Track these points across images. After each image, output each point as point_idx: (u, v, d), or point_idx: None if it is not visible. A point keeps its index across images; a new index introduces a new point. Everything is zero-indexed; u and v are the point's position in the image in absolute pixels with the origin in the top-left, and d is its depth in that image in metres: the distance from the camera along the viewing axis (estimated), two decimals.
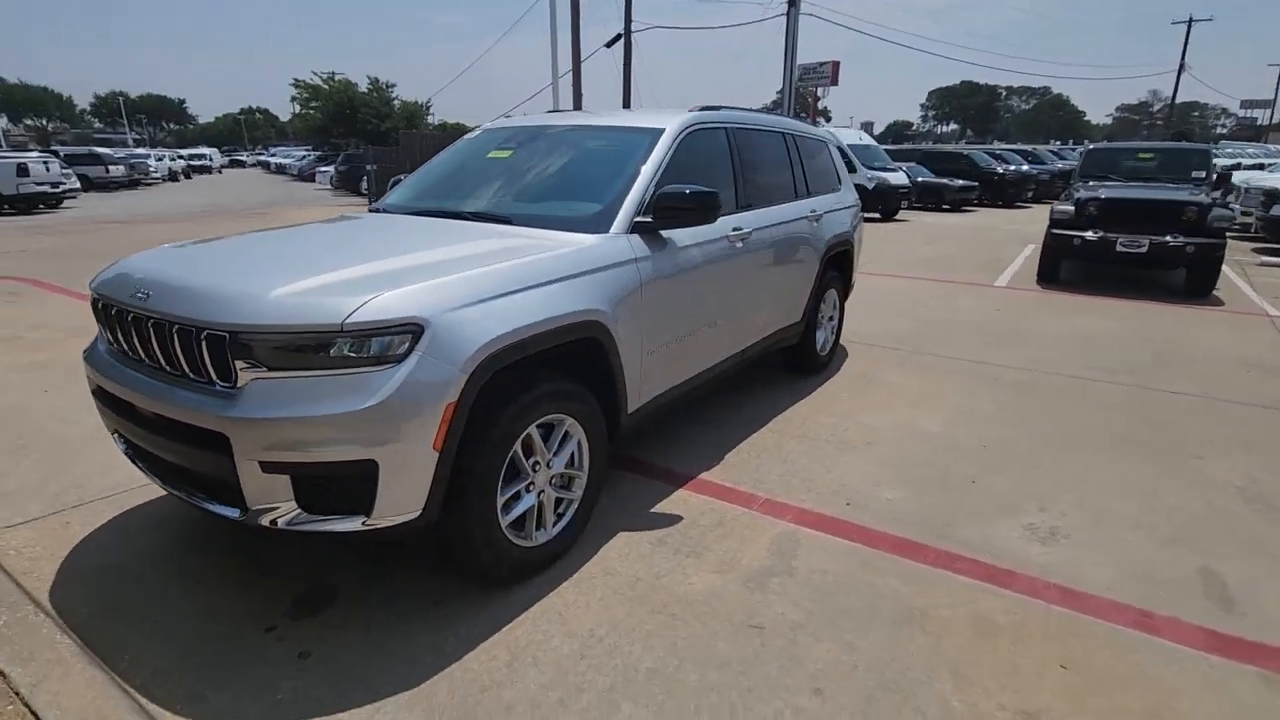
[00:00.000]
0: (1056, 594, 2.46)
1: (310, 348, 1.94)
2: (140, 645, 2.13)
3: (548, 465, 2.50)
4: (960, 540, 2.79)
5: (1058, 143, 47.89)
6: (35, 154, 19.36)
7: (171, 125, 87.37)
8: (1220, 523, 2.97)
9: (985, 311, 7.01)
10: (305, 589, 2.44)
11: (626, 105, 20.00)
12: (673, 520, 2.93)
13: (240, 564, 2.58)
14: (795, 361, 4.75)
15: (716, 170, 3.54)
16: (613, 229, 2.80)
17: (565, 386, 2.49)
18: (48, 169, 17.39)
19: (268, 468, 1.96)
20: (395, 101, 42.52)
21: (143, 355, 2.22)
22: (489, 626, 2.25)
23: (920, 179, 20.35)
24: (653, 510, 3.01)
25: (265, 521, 2.03)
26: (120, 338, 2.31)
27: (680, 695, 1.98)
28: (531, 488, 2.45)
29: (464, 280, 2.18)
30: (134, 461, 2.45)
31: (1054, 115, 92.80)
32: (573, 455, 2.61)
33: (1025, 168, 23.23)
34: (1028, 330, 6.25)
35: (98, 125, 79.08)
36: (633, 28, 20.01)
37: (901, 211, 17.75)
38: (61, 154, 26.52)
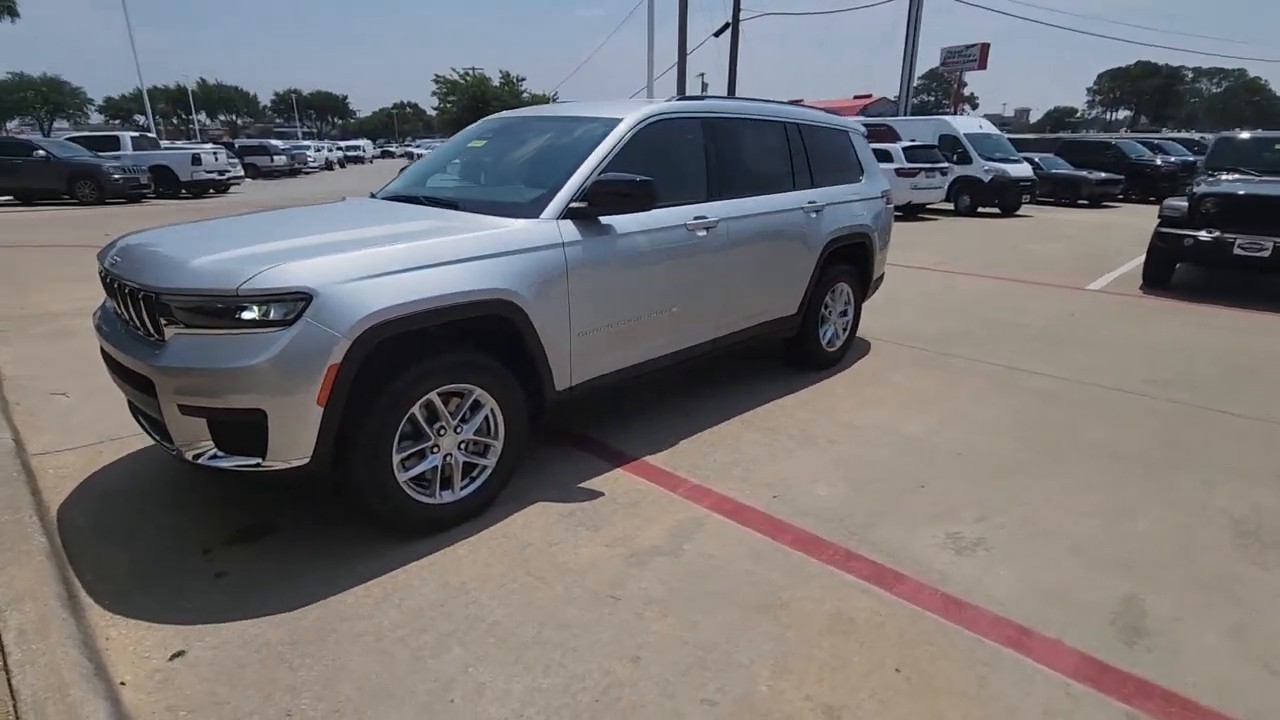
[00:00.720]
0: (938, 602, 2.37)
1: (216, 310, 2.27)
2: (103, 551, 2.58)
3: (455, 430, 2.72)
4: (871, 541, 2.72)
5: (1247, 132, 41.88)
6: (208, 146, 22.21)
7: (335, 119, 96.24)
8: (1187, 554, 2.69)
9: (1055, 316, 6.46)
10: (252, 523, 2.81)
11: (731, 89, 19.83)
12: (593, 496, 3.06)
13: (217, 500, 3.00)
14: (795, 355, 4.68)
15: (682, 160, 3.60)
16: (544, 214, 2.97)
17: (474, 359, 2.69)
18: (216, 159, 19.87)
19: (185, 410, 2.31)
20: (525, 94, 44.43)
21: (119, 315, 2.66)
22: (379, 569, 2.51)
23: (1054, 171, 18.69)
24: (581, 485, 3.16)
25: (190, 457, 2.40)
26: (113, 302, 2.77)
27: (509, 646, 2.14)
28: (436, 450, 2.68)
29: (362, 256, 2.43)
30: (130, 410, 2.92)
31: (1249, 101, 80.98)
32: (486, 423, 2.81)
33: (1189, 158, 20.61)
34: (1093, 338, 5.72)
35: (277, 120, 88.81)
36: (741, 16, 19.77)
37: (1026, 206, 16.40)
38: (236, 145, 30.36)
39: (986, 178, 15.61)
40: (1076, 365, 4.93)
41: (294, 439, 2.32)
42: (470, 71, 44.26)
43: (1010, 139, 18.55)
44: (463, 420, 2.75)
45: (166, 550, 2.61)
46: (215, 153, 20.15)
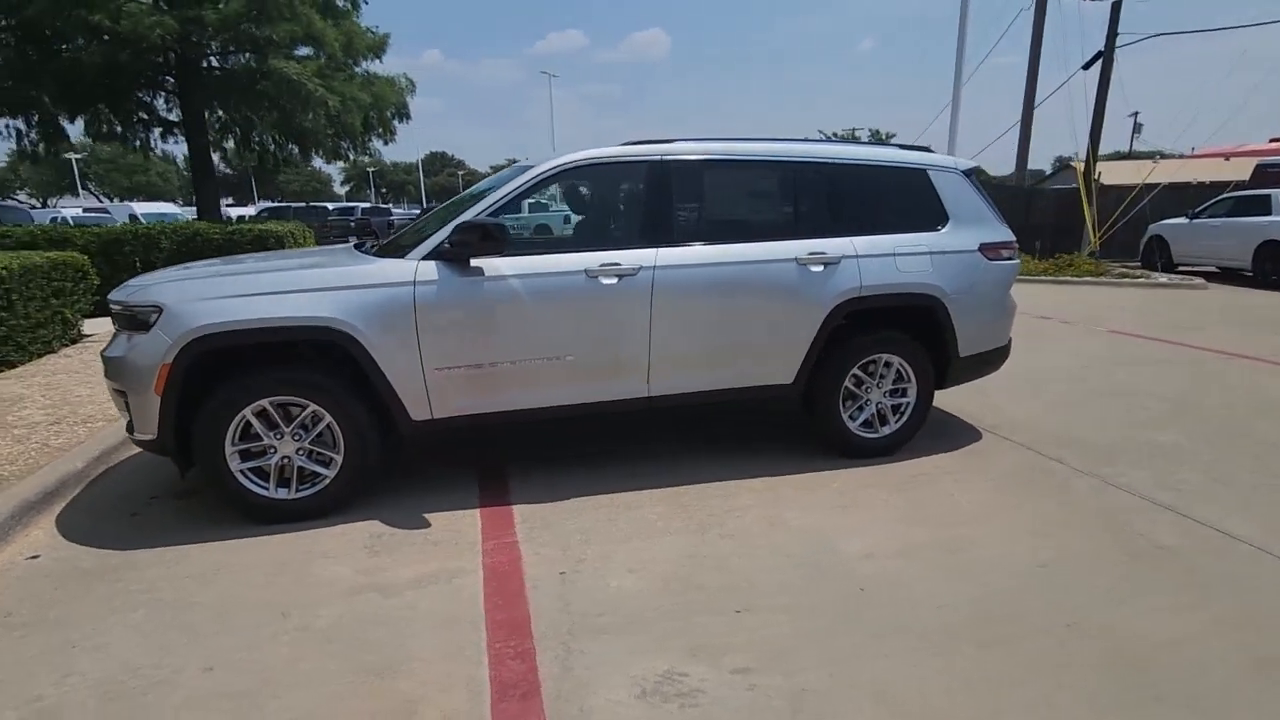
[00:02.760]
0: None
1: (121, 315, 3.08)
2: (93, 489, 3.60)
3: (294, 437, 3.11)
4: (569, 654, 2.25)
5: None
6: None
7: None
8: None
9: None
10: (186, 488, 3.55)
11: (1095, 134, 16.38)
12: (421, 525, 3.12)
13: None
14: (820, 437, 3.91)
15: (609, 206, 3.44)
16: (410, 255, 3.20)
17: (310, 377, 3.06)
18: None
19: (111, 389, 3.18)
20: None
21: None
22: (190, 538, 3.00)
23: None
24: (426, 514, 3.23)
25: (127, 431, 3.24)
26: None
27: (179, 618, 2.42)
28: (273, 451, 3.10)
29: (208, 283, 3.02)
30: None
31: None
32: (328, 437, 3.14)
33: None
34: None
35: None
36: (1120, 42, 16.20)
37: None
38: None
39: None
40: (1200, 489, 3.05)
41: (144, 419, 2.99)
42: (852, 132, 44.68)
43: None
44: (304, 429, 3.12)
45: (128, 496, 3.48)
46: None
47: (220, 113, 14.01)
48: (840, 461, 3.82)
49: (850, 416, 3.85)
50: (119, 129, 14.11)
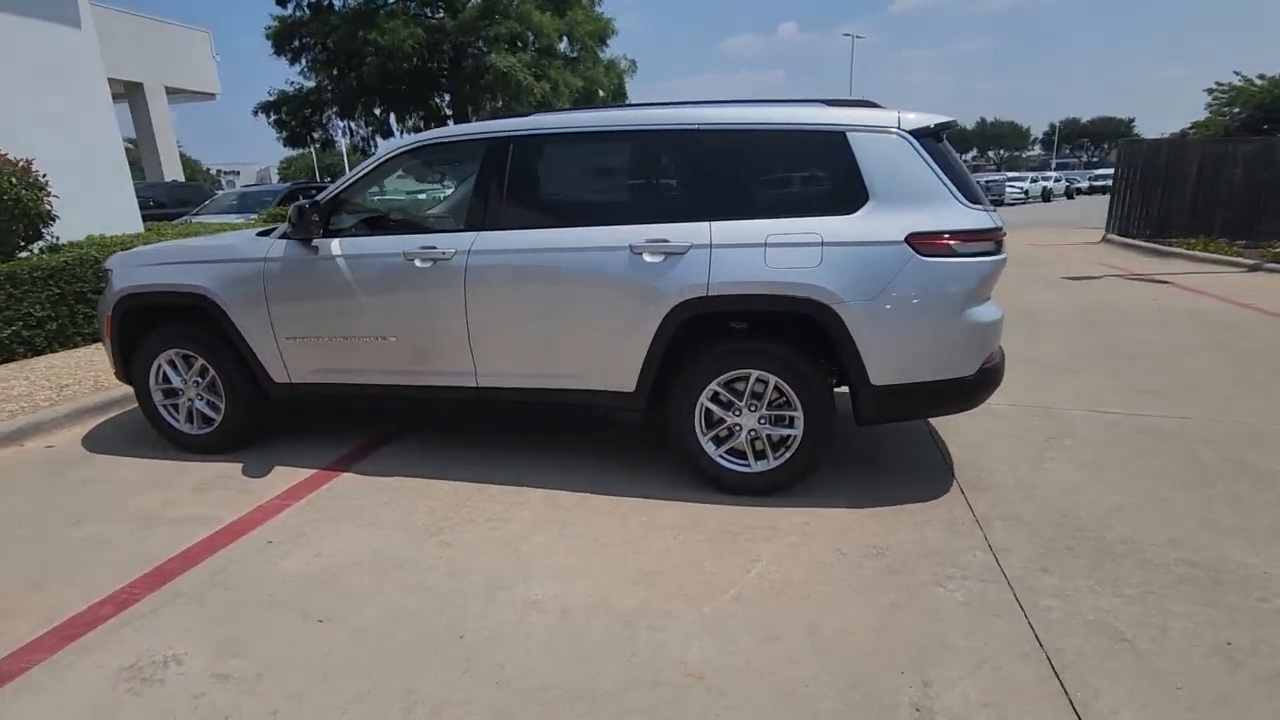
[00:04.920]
0: None
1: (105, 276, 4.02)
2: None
3: (193, 385, 3.75)
4: (153, 609, 2.41)
5: None
6: None
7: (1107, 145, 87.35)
8: None
9: None
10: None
11: None
12: (257, 474, 3.52)
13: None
14: (682, 461, 3.29)
15: (457, 186, 3.33)
16: (275, 233, 3.55)
17: (195, 334, 3.65)
18: None
19: None
20: None
21: None
22: (133, 453, 3.84)
23: None
24: (276, 465, 3.61)
25: None
26: None
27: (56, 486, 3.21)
28: (182, 393, 3.78)
29: (143, 253, 3.76)
30: None
31: None
32: (216, 387, 3.71)
33: None
34: None
35: (1036, 152, 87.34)
36: None
37: None
38: None
39: None
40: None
41: (109, 356, 3.90)
42: (1262, 79, 33.84)
43: None
44: (200, 378, 3.74)
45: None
46: None
47: (486, 106, 16.56)
48: (701, 494, 3.15)
49: (714, 441, 3.15)
50: (422, 124, 17.68)
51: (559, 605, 2.40)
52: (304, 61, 16.11)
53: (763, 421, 3.08)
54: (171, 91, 16.68)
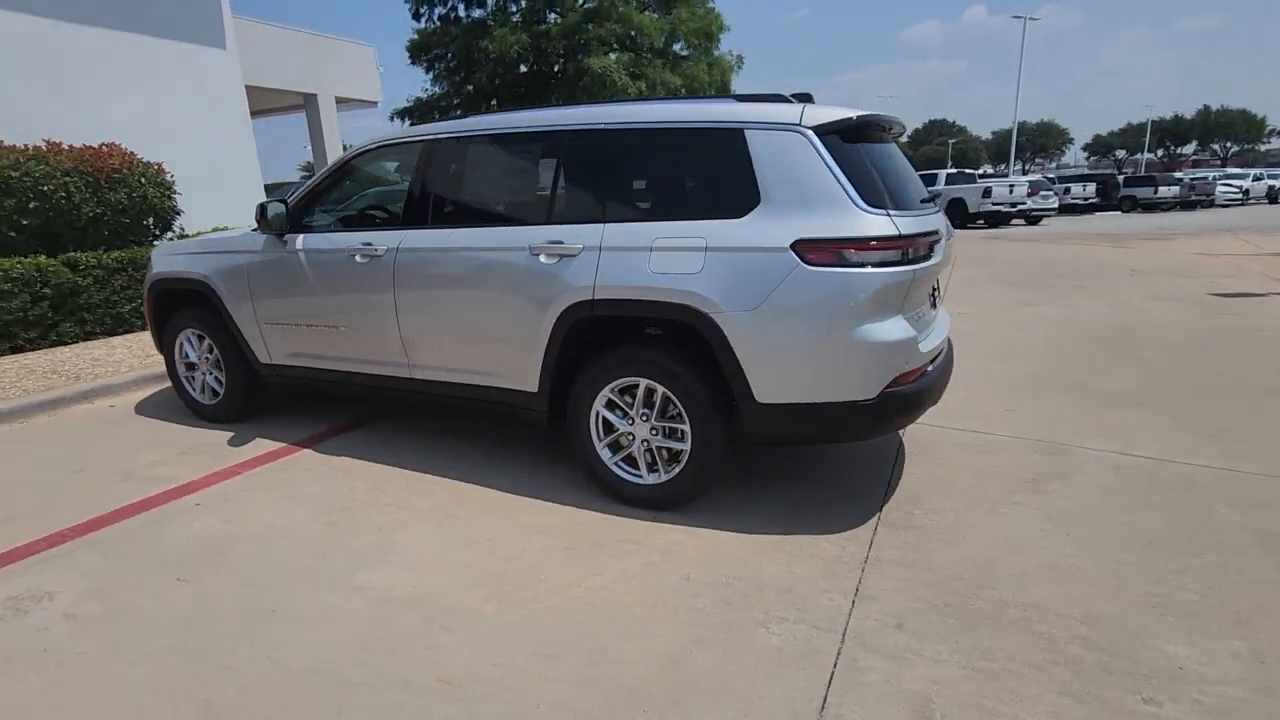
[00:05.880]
0: None
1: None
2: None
3: (203, 360, 4.26)
4: (48, 560, 2.79)
5: None
6: (1022, 179, 22.54)
7: None
8: None
9: None
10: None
11: None
12: (241, 443, 3.93)
13: None
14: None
15: (402, 186, 3.52)
16: (263, 230, 3.93)
17: (202, 316, 4.14)
18: (1011, 192, 20.26)
19: None
20: None
21: None
22: (175, 420, 4.44)
23: None
24: (259, 438, 4.01)
25: None
26: None
27: (89, 433, 3.83)
28: (197, 367, 4.31)
29: (175, 244, 4.31)
30: None
31: None
32: (217, 360, 4.20)
33: None
34: None
35: (1275, 145, 73.71)
36: None
37: None
38: (1119, 178, 29.00)
39: None
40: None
41: (151, 330, 4.52)
42: None
43: None
44: (208, 356, 4.24)
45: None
46: (1011, 186, 20.52)
47: None
48: (606, 504, 3.08)
49: (610, 448, 3.06)
50: None
51: (385, 595, 2.47)
52: (436, 69, 17.75)
53: (654, 432, 2.94)
54: (340, 101, 18.86)
